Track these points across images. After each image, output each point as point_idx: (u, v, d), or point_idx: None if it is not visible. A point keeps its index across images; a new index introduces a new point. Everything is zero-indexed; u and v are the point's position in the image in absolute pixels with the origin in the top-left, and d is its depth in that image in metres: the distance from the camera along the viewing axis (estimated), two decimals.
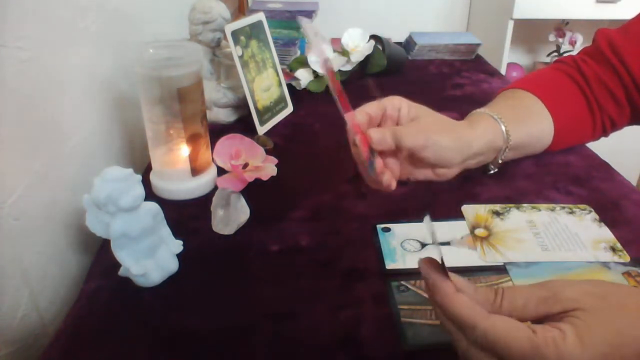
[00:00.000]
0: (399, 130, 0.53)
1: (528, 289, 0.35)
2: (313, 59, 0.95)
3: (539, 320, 0.34)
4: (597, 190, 0.63)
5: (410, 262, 0.51)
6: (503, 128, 0.60)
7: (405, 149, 0.53)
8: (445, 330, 0.36)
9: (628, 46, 0.64)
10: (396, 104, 0.55)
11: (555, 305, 0.33)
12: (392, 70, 1.05)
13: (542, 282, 0.36)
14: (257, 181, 0.61)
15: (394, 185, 0.56)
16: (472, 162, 0.60)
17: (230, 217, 0.56)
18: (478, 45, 1.18)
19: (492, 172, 0.64)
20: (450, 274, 0.36)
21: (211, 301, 0.47)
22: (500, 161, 0.62)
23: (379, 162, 0.52)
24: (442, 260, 0.37)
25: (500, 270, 0.50)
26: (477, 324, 0.33)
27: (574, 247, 0.53)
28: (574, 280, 0.36)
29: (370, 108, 0.54)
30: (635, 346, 0.31)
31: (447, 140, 0.55)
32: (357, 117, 0.52)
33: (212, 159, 0.64)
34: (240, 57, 0.76)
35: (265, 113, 0.80)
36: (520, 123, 0.62)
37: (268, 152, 0.69)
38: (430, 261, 0.37)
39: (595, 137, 0.70)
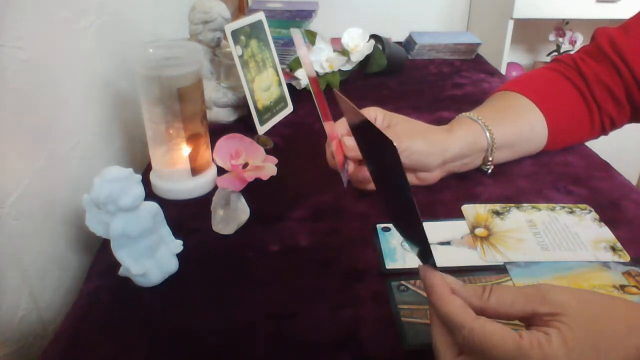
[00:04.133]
0: None
1: (517, 288, 0.36)
2: (313, 59, 0.95)
3: (527, 318, 0.35)
4: (597, 190, 0.62)
5: (410, 261, 0.51)
6: (485, 129, 0.61)
7: None
8: (434, 336, 0.37)
9: (629, 44, 0.64)
10: (372, 114, 0.60)
11: (543, 305, 0.34)
12: (392, 69, 1.05)
13: (531, 285, 0.36)
14: (257, 181, 0.61)
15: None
16: (454, 164, 0.62)
17: (230, 217, 0.56)
18: (478, 44, 1.18)
19: (488, 171, 0.65)
20: (440, 273, 0.38)
21: (211, 301, 0.47)
22: (490, 160, 0.63)
23: (350, 167, 0.57)
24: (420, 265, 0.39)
25: (500, 269, 0.50)
26: (466, 324, 0.34)
27: (574, 247, 0.53)
28: (563, 285, 0.37)
29: None
30: (621, 351, 0.32)
31: (420, 145, 0.57)
32: (337, 128, 0.56)
33: (212, 158, 0.64)
34: (240, 56, 0.76)
35: (265, 113, 0.80)
36: (506, 123, 0.63)
37: (268, 151, 0.69)
38: (429, 267, 0.38)
39: (594, 136, 0.70)
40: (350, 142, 0.55)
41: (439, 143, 0.59)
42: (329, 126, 0.54)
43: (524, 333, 0.32)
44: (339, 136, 0.56)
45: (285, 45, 1.06)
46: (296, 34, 0.50)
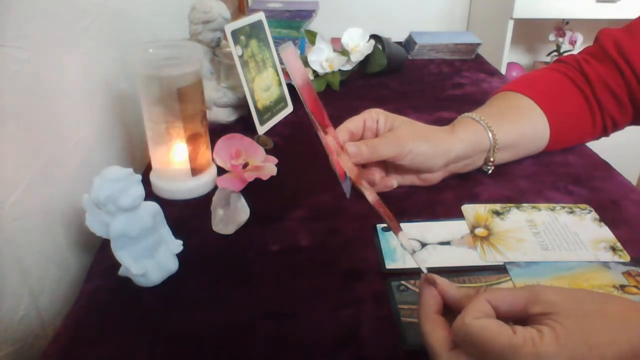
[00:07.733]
0: (374, 142, 0.56)
1: (510, 289, 0.37)
2: (313, 59, 0.95)
3: (520, 319, 0.35)
4: (597, 190, 0.62)
5: (410, 261, 0.51)
6: (487, 129, 0.61)
7: (382, 159, 0.56)
8: (425, 332, 0.37)
9: (634, 46, 0.64)
10: (374, 116, 0.59)
11: (535, 306, 0.34)
12: (392, 69, 1.05)
13: (524, 286, 0.37)
14: (257, 181, 0.61)
15: (394, 183, 0.59)
16: (457, 165, 0.62)
17: (230, 217, 0.56)
18: (478, 44, 1.18)
19: (489, 171, 0.65)
20: (432, 274, 0.39)
21: (211, 301, 0.47)
22: (492, 160, 0.63)
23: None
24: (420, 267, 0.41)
25: (500, 269, 0.50)
26: (456, 321, 0.34)
27: (574, 247, 0.53)
28: (556, 286, 0.37)
29: (351, 124, 0.58)
30: (614, 347, 0.32)
31: (424, 147, 0.57)
32: (339, 135, 0.55)
33: (212, 158, 0.64)
34: (240, 56, 0.76)
35: (265, 113, 0.80)
36: (508, 123, 0.63)
37: (268, 151, 0.69)
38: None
39: (596, 137, 0.70)
40: (353, 149, 0.55)
41: (442, 145, 0.58)
42: (330, 133, 0.53)
43: (518, 329, 0.33)
44: (341, 143, 0.56)
45: None
46: (287, 49, 0.47)
